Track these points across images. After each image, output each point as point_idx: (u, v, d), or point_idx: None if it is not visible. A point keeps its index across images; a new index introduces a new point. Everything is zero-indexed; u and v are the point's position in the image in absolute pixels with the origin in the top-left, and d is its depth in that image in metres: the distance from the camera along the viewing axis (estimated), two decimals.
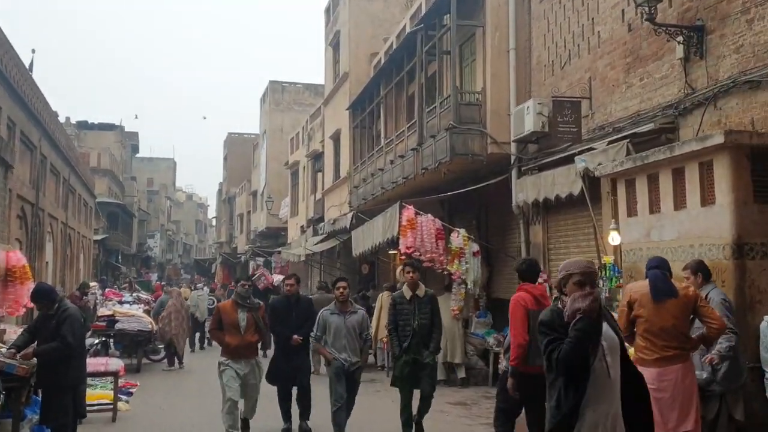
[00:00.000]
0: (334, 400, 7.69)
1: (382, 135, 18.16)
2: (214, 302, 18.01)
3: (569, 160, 10.31)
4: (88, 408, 9.32)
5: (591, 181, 9.70)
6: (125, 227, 48.68)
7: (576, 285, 3.76)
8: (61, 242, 23.14)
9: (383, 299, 14.96)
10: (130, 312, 14.43)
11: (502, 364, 6.69)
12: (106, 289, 19.38)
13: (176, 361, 15.07)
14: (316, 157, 28.49)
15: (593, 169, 9.13)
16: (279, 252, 31.88)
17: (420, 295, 7.68)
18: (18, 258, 8.88)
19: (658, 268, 4.99)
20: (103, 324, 14.04)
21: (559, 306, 3.83)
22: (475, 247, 12.18)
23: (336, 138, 23.92)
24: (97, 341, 14.75)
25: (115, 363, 9.32)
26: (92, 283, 20.74)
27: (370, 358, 14.91)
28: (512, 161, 12.30)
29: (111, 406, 9.28)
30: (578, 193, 9.84)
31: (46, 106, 19.30)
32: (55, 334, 6.27)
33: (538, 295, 6.23)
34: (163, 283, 29.81)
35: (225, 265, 44.55)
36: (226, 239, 57.12)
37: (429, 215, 12.12)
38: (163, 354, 15.71)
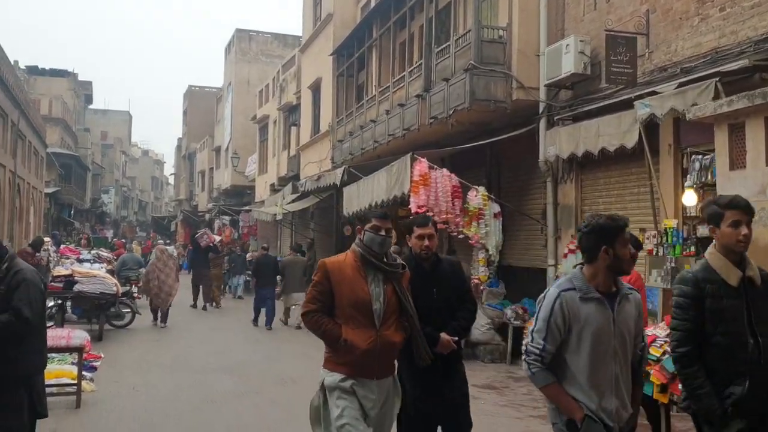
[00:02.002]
0: None
1: (374, 82, 16.43)
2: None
3: (618, 107, 8.86)
4: None
5: (647, 131, 8.27)
6: (79, 181, 45.93)
7: None
8: (9, 193, 20.90)
9: None
10: (92, 272, 12.57)
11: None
12: (62, 246, 17.40)
13: (158, 319, 14.40)
14: (290, 110, 26.56)
15: (662, 115, 7.66)
16: (248, 211, 30.04)
17: (755, 279, 3.44)
18: None
19: None
20: (60, 285, 12.17)
21: None
22: (496, 208, 10.72)
23: (315, 88, 22.04)
24: (51, 304, 12.95)
25: (79, 336, 7.57)
26: (46, 239, 18.68)
27: None
28: (541, 110, 10.79)
29: (74, 388, 7.58)
30: (633, 145, 8.39)
31: None
32: (5, 305, 4.57)
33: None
34: (123, 240, 27.71)
35: (186, 224, 42.35)
36: (186, 197, 54.68)
37: (444, 170, 10.57)
38: (127, 319, 14.01)
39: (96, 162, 58.85)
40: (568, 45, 9.77)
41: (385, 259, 4.09)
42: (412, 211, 10.27)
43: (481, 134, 12.58)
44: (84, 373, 8.23)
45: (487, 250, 10.55)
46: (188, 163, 55.30)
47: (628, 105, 8.41)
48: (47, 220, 35.47)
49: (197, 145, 50.95)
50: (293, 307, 14.62)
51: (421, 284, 4.32)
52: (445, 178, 10.42)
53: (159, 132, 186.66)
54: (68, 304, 12.92)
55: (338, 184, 14.78)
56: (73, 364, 8.42)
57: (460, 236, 10.64)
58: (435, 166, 10.51)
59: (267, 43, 38.92)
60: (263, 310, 14.84)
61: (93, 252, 17.45)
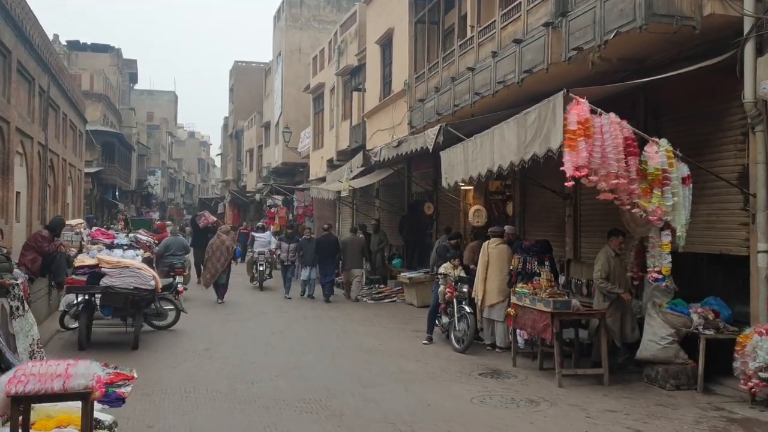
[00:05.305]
0: None
1: (470, 22, 13.20)
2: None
3: None
4: None
5: None
6: (123, 161, 43.74)
7: None
8: (38, 169, 18.36)
9: (489, 249, 10.42)
10: (122, 261, 9.72)
11: None
12: (94, 228, 14.74)
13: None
14: (352, 74, 23.51)
15: None
16: (303, 189, 27.24)
17: None
18: None
19: None
20: (83, 279, 9.41)
21: None
22: (685, 170, 7.44)
23: (386, 42, 18.91)
24: (76, 302, 10.25)
25: (84, 373, 4.54)
26: (77, 221, 16.06)
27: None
28: (747, 29, 7.48)
29: None
30: None
31: None
32: None
33: None
34: (167, 222, 25.13)
35: (234, 205, 39.94)
36: (234, 177, 52.38)
37: (612, 114, 7.31)
38: (171, 318, 11.24)
39: (141, 142, 56.88)
40: None
41: None
42: (568, 175, 7.07)
43: (629, 74, 9.38)
44: (101, 416, 5.37)
45: (673, 231, 7.31)
46: (235, 141, 53.04)
47: None
48: (90, 201, 33.26)
49: (245, 123, 48.62)
50: (353, 282, 16.09)
51: None
52: (614, 127, 7.18)
53: (205, 115, 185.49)
54: (97, 300, 10.17)
55: (430, 148, 11.67)
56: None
57: (634, 210, 7.39)
58: (599, 110, 7.27)
59: (319, 8, 35.97)
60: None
61: (131, 235, 14.75)
